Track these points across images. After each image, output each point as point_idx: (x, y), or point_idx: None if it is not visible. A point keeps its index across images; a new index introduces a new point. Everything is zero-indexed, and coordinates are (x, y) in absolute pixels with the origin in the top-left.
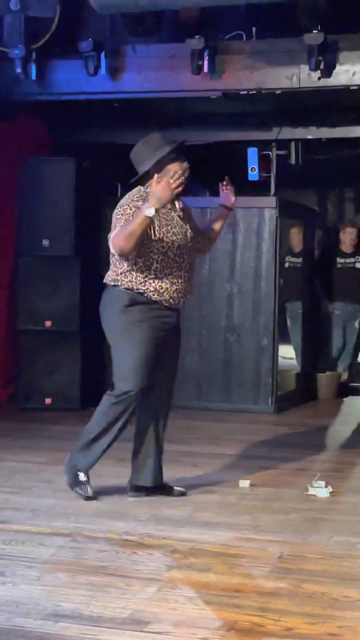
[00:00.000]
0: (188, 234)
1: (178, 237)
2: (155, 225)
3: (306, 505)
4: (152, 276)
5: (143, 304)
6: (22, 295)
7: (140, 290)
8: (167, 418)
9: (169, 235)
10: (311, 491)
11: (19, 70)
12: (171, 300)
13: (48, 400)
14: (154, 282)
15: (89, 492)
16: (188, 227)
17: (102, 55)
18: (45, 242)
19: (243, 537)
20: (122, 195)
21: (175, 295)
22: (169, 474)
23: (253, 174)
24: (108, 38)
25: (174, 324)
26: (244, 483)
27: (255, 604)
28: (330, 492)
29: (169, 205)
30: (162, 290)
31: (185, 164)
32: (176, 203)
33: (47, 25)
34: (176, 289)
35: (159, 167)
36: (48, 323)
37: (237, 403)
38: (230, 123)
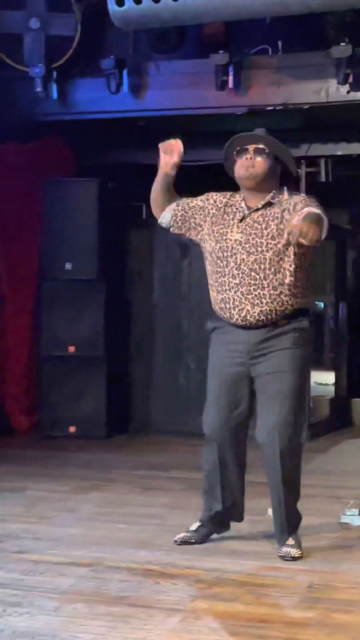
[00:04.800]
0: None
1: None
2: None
3: (338, 534)
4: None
5: None
6: (46, 320)
7: None
8: None
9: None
10: (344, 519)
11: (39, 89)
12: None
13: (72, 429)
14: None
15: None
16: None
17: (125, 72)
18: (69, 266)
19: (271, 566)
20: (148, 216)
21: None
22: (196, 502)
23: None
24: (130, 55)
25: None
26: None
27: (283, 635)
28: None
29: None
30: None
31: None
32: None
33: (68, 44)
34: (222, 298)
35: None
36: (72, 349)
37: None
38: None
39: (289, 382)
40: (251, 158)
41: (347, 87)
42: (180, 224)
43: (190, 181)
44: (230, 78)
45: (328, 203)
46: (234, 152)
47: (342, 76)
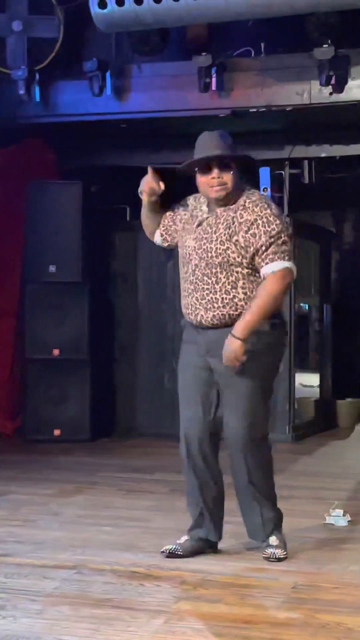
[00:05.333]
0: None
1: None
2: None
3: (323, 534)
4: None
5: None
6: (29, 323)
7: None
8: None
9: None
10: (329, 520)
11: (22, 92)
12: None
13: (57, 432)
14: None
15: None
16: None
17: (107, 75)
18: (52, 268)
19: (255, 567)
20: (132, 218)
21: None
22: (181, 504)
23: (265, 194)
24: (113, 57)
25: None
26: None
27: (267, 636)
28: (348, 521)
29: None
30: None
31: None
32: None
33: (51, 46)
34: (184, 303)
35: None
36: (56, 351)
37: None
38: (241, 142)
39: (249, 383)
40: (217, 177)
41: (329, 88)
42: (168, 237)
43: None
44: (214, 80)
45: (311, 205)
46: (196, 169)
47: (324, 78)
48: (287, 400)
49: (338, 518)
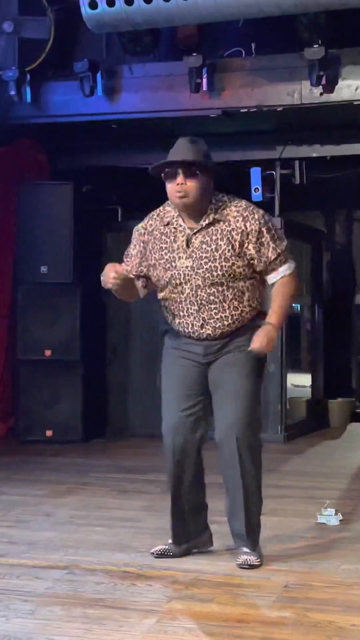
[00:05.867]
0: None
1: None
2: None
3: (315, 534)
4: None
5: None
6: (21, 324)
7: None
8: None
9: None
10: (320, 519)
11: (12, 92)
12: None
13: (49, 433)
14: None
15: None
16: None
17: (98, 75)
18: (44, 269)
19: None
20: (123, 219)
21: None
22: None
23: (256, 194)
24: (104, 58)
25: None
26: None
27: (259, 635)
28: (340, 520)
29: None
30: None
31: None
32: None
33: (42, 47)
34: (180, 322)
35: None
36: (48, 352)
37: None
38: (232, 142)
39: (244, 381)
40: (182, 183)
41: (320, 89)
42: (149, 282)
43: (164, 183)
44: (204, 80)
45: (303, 205)
46: (162, 175)
47: (315, 78)
48: (279, 400)
49: (330, 517)
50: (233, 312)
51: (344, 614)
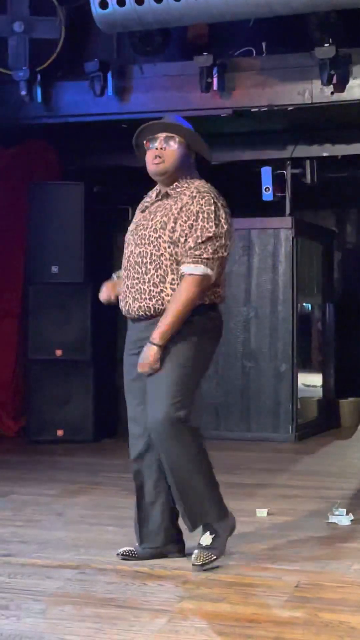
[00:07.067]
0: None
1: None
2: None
3: (326, 534)
4: None
5: None
6: (32, 324)
7: None
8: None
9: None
10: (332, 519)
11: (23, 92)
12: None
13: (60, 432)
14: None
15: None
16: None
17: (109, 75)
18: (55, 269)
19: (259, 566)
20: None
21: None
22: None
23: (267, 194)
24: (114, 58)
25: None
26: (261, 512)
27: (271, 635)
28: (351, 520)
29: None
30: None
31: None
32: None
33: (52, 47)
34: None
35: None
36: (59, 352)
37: (256, 432)
38: (242, 142)
39: (165, 368)
40: (161, 148)
41: (331, 88)
42: None
43: None
44: (215, 80)
45: (314, 205)
46: (145, 142)
47: (326, 77)
48: (290, 399)
49: (341, 517)
50: (152, 288)
51: (356, 614)
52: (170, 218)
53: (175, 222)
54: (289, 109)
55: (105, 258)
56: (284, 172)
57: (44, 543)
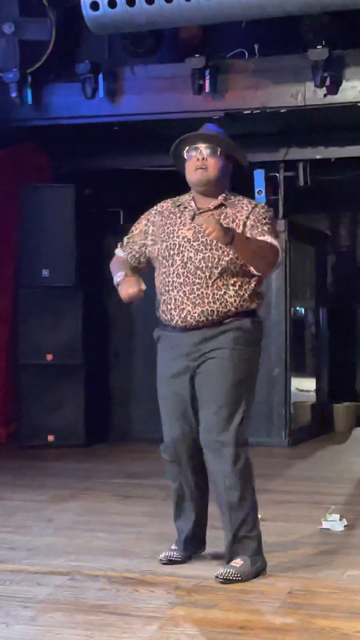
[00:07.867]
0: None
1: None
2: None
3: (319, 539)
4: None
5: None
6: (23, 328)
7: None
8: None
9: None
10: (325, 525)
11: (14, 94)
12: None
13: (51, 438)
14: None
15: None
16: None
17: (100, 77)
18: (45, 272)
19: None
20: (125, 222)
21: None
22: None
23: (260, 196)
24: (106, 60)
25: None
26: None
27: None
28: (344, 526)
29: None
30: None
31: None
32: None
33: (43, 49)
34: (164, 299)
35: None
36: (50, 357)
37: (250, 436)
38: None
39: (226, 381)
40: (203, 159)
41: (324, 90)
42: (140, 261)
43: (166, 185)
44: (207, 82)
45: (307, 207)
46: (184, 152)
47: (319, 79)
48: (283, 404)
49: (334, 523)
50: (215, 291)
51: (349, 620)
52: (238, 224)
53: (244, 226)
54: (282, 111)
55: (96, 261)
56: (277, 174)
57: (34, 549)
